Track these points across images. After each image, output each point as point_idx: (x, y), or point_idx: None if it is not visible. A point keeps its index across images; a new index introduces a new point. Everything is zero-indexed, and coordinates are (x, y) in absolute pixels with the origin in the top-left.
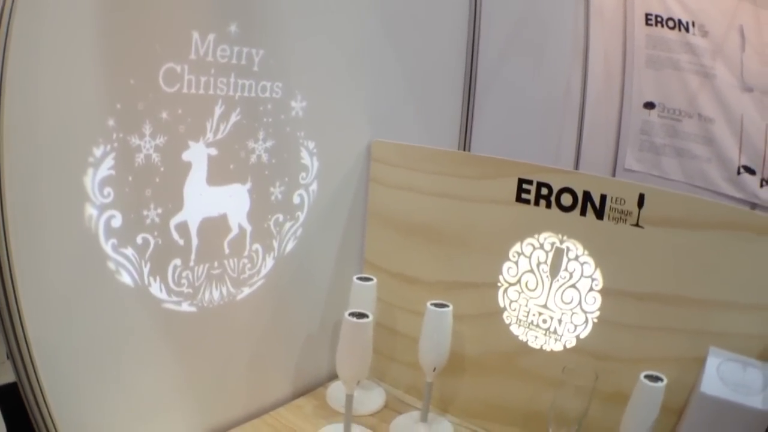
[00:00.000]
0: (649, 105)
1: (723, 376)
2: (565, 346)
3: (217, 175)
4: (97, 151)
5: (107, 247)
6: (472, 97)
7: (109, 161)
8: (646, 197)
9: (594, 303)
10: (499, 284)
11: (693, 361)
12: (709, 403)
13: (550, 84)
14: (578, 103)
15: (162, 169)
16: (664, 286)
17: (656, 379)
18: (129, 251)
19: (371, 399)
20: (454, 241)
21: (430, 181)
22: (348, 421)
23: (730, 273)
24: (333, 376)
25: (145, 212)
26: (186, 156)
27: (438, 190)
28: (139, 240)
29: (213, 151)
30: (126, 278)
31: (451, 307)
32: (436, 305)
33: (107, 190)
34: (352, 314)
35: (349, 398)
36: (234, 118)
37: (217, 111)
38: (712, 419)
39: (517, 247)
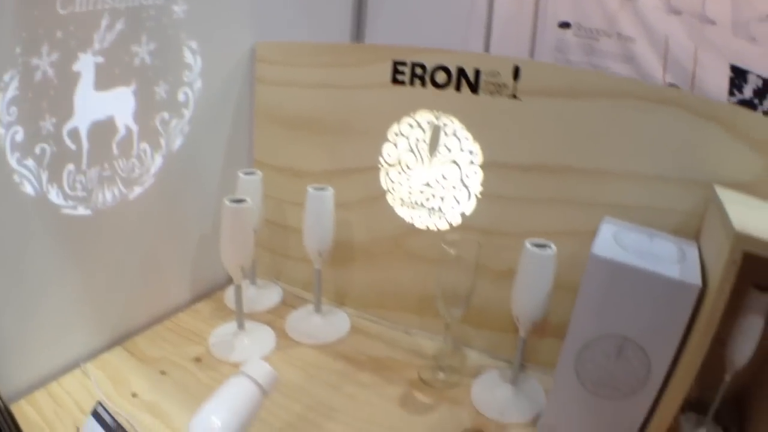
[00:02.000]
0: (565, 25)
1: (624, 244)
2: (451, 224)
3: (104, 80)
4: (6, 77)
5: (12, 161)
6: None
7: (15, 83)
8: (521, 69)
9: (475, 178)
10: (380, 166)
11: (588, 235)
12: (604, 267)
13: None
14: (484, 22)
15: (56, 81)
16: (548, 156)
17: (545, 247)
18: (30, 162)
19: (267, 297)
20: (336, 130)
21: (311, 75)
22: (240, 315)
23: (619, 143)
24: (230, 279)
25: (41, 123)
26: (76, 67)
27: (319, 81)
28: (37, 150)
29: (99, 59)
30: (28, 188)
31: (331, 190)
32: (316, 189)
33: (12, 108)
34: (232, 200)
35: (238, 289)
36: (119, 26)
37: (104, 23)
38: (608, 287)
39: (395, 129)
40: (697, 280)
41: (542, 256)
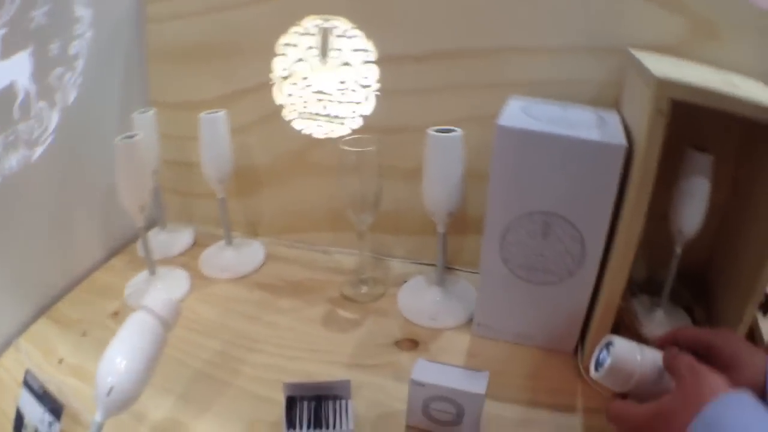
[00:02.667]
0: None
1: (534, 115)
2: (351, 129)
3: (6, 49)
4: None
5: None
6: None
7: None
8: None
9: (371, 76)
10: (272, 82)
11: (496, 118)
12: (513, 138)
13: None
14: None
15: None
16: (444, 42)
17: (449, 131)
18: None
19: (180, 240)
20: (226, 54)
21: (195, 4)
22: (150, 261)
23: (518, 17)
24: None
25: None
26: None
27: (206, 7)
28: None
29: (4, 31)
30: None
31: (223, 112)
32: (208, 113)
33: None
34: (123, 138)
35: (142, 232)
36: None
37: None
38: (521, 160)
39: (284, 40)
40: (620, 140)
41: (447, 139)
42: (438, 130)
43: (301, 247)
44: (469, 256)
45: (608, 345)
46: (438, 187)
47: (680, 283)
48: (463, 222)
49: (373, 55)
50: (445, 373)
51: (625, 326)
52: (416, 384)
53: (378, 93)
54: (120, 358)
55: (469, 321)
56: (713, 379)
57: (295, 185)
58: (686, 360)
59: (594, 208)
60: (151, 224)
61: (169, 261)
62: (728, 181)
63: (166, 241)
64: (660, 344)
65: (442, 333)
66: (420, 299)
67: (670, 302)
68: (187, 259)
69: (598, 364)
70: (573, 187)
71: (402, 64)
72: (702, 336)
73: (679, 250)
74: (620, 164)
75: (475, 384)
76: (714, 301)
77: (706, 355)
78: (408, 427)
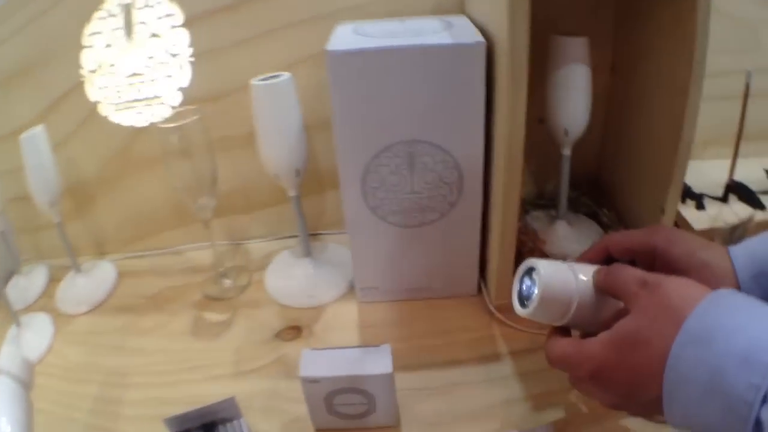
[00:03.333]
0: None
1: (368, 33)
2: (172, 107)
3: None
4: None
5: None
6: None
7: None
8: None
9: (181, 41)
10: (83, 79)
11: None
12: (348, 63)
13: None
14: None
15: None
16: None
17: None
18: None
19: (36, 281)
20: (42, 67)
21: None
22: (13, 314)
23: None
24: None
25: None
26: None
27: (20, 24)
28: None
29: None
30: None
31: (41, 126)
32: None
33: None
34: None
35: None
36: None
37: None
38: (363, 87)
39: (88, 30)
40: (477, 38)
41: (274, 86)
42: (263, 80)
43: (151, 254)
44: (333, 216)
45: (530, 272)
46: (275, 144)
47: (575, 190)
48: (317, 180)
49: (180, 18)
50: (338, 359)
51: (528, 250)
52: (308, 381)
53: (192, 59)
54: None
55: (352, 289)
56: (677, 284)
57: (130, 187)
58: (630, 273)
59: (461, 125)
60: (8, 275)
61: (30, 307)
62: (606, 68)
63: (25, 286)
64: (587, 261)
65: (325, 310)
66: (290, 278)
67: (570, 212)
68: (46, 300)
69: (524, 298)
70: (431, 105)
71: (213, 18)
72: (637, 239)
73: (567, 151)
74: (482, 66)
75: (378, 363)
76: (622, 199)
77: (650, 263)
78: (320, 430)
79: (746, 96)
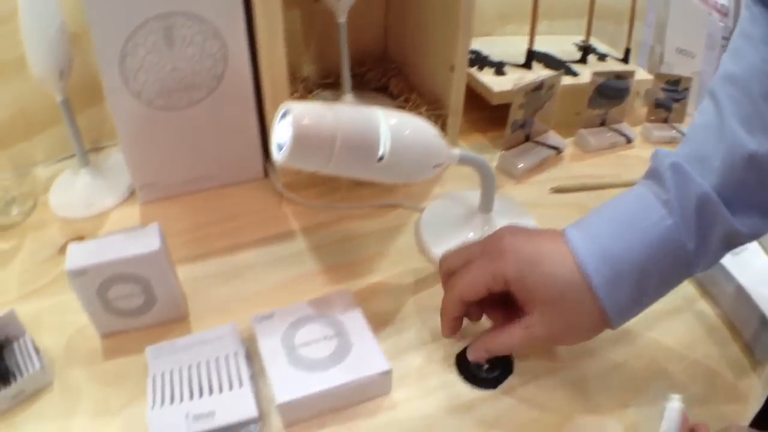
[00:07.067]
0: None
1: None
2: None
3: None
4: None
5: None
6: None
7: None
8: None
9: None
10: None
11: None
12: None
13: None
14: None
15: None
16: None
17: None
18: None
19: None
20: None
21: None
22: None
23: None
24: None
25: None
26: None
27: None
28: None
29: None
30: None
31: None
32: None
33: None
34: None
35: None
36: None
37: None
38: None
39: None
40: None
41: None
42: None
43: None
44: (113, 125)
45: (285, 115)
46: (36, 43)
47: (363, 66)
48: (93, 90)
49: None
50: (104, 247)
51: None
52: (75, 275)
53: None
54: None
55: (134, 191)
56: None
57: None
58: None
59: None
60: None
61: None
62: None
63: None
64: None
65: (107, 216)
66: (71, 191)
67: (358, 89)
68: None
69: (282, 146)
70: None
71: None
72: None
73: (343, 18)
74: None
75: (145, 242)
76: (413, 66)
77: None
78: (106, 335)
79: None
